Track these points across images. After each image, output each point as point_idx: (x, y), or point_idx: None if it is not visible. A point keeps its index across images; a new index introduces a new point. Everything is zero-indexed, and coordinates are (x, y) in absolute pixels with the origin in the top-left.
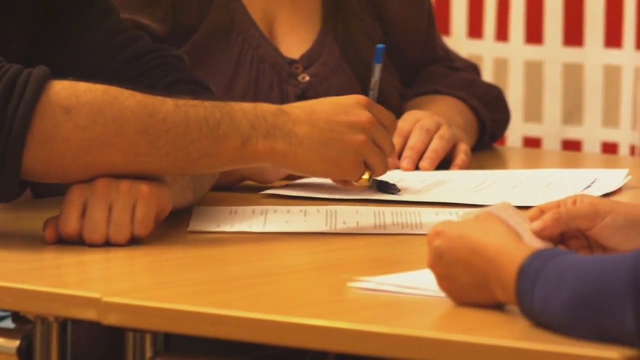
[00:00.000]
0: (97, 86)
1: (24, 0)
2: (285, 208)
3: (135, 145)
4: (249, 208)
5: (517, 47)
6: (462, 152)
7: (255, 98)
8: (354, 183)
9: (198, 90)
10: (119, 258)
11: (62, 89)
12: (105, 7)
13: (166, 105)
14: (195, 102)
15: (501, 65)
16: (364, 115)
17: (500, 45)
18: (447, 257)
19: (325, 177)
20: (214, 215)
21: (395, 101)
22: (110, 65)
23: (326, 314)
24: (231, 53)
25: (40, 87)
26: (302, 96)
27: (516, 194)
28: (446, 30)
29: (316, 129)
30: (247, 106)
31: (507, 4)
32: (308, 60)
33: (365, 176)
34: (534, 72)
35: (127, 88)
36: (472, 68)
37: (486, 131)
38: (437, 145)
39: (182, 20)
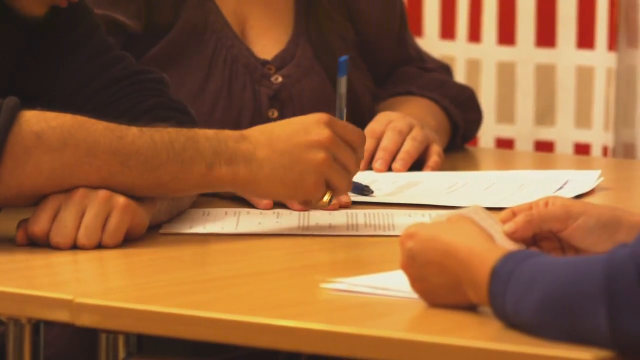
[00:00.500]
0: (65, 114)
1: (5, 24)
2: (258, 210)
3: (109, 164)
4: (222, 210)
5: (489, 48)
6: (435, 153)
7: (229, 98)
8: (315, 203)
9: (177, 116)
10: (91, 259)
11: (32, 116)
12: (89, 27)
13: (131, 130)
14: (159, 127)
15: (474, 66)
16: (324, 134)
17: (473, 46)
18: (420, 259)
19: (287, 199)
20: (187, 216)
21: (367, 102)
22: (88, 89)
23: (299, 315)
24: (205, 53)
25: (12, 117)
26: (275, 97)
27: (489, 195)
28: (419, 31)
29: (276, 152)
30: (209, 132)
31: (480, 5)
32: (281, 61)
33: (326, 197)
34: (506, 73)
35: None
36: (445, 69)
37: (458, 132)
38: (409, 147)
39: (156, 18)
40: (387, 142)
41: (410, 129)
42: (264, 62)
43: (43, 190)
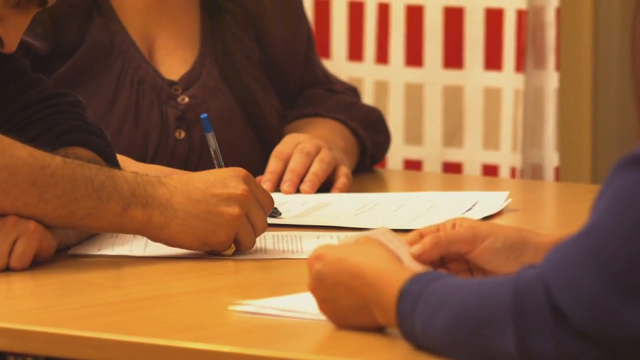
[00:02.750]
0: None
1: None
2: None
3: (25, 195)
4: None
5: (397, 70)
6: (343, 175)
7: (136, 118)
8: (219, 251)
9: (92, 139)
10: (1, 282)
11: None
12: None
13: (55, 160)
14: (82, 162)
15: (382, 87)
16: (240, 188)
17: (381, 67)
18: (328, 281)
19: (196, 249)
20: (95, 239)
21: (274, 122)
22: (2, 113)
23: (207, 337)
24: (112, 73)
25: None
26: (182, 118)
27: (398, 217)
28: (326, 53)
29: (191, 201)
30: (129, 175)
31: (387, 27)
32: (187, 81)
33: (230, 250)
34: (414, 95)
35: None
36: (352, 91)
37: (367, 153)
38: (317, 169)
39: (62, 39)
40: (295, 164)
41: (318, 150)
42: (171, 83)
43: None
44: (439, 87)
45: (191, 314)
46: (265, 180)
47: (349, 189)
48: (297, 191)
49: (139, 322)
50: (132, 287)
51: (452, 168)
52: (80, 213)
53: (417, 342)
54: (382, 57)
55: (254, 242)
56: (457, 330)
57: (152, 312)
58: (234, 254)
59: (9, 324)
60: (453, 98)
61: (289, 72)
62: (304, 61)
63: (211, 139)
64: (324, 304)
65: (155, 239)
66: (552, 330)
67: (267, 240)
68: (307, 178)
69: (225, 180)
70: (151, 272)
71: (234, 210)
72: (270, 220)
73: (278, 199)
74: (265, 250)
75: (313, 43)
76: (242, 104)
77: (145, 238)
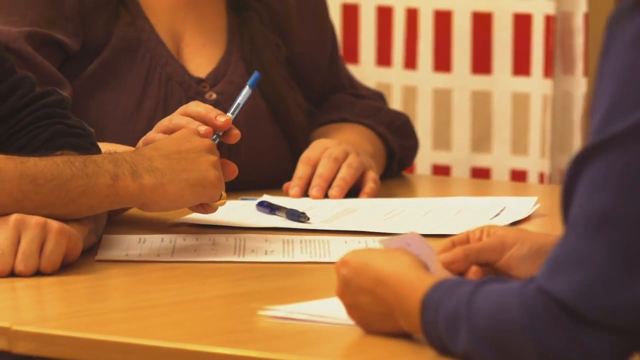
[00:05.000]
0: None
1: None
2: (194, 236)
3: (19, 186)
4: (158, 236)
5: (425, 75)
6: (371, 180)
7: (165, 115)
8: (214, 204)
9: (75, 141)
10: (28, 287)
11: None
12: None
13: (31, 157)
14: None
15: (410, 93)
16: (201, 141)
17: (409, 73)
18: (353, 286)
19: (195, 201)
20: (123, 243)
21: (300, 118)
22: None
23: (235, 342)
24: (140, 70)
25: None
26: None
27: (425, 222)
28: (354, 59)
29: (172, 160)
30: (103, 154)
31: (416, 32)
32: (214, 79)
33: (223, 195)
34: (442, 100)
35: None
36: (378, 96)
37: (394, 158)
38: (345, 174)
39: (90, 37)
40: (323, 169)
41: (346, 155)
42: (199, 80)
43: None
44: (467, 93)
45: (219, 318)
46: (294, 186)
47: (377, 194)
48: (325, 196)
49: (167, 327)
50: (160, 292)
51: (481, 173)
52: (76, 192)
53: (445, 350)
54: (410, 62)
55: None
56: (478, 343)
57: (179, 317)
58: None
59: (38, 328)
60: (481, 103)
61: (314, 73)
62: (329, 64)
63: (244, 94)
64: (351, 309)
65: (153, 205)
66: (567, 331)
67: (294, 244)
68: (335, 183)
69: (188, 138)
70: (178, 276)
71: (211, 157)
72: (298, 225)
73: (306, 204)
74: (292, 255)
75: (337, 48)
76: (269, 100)
77: (173, 242)
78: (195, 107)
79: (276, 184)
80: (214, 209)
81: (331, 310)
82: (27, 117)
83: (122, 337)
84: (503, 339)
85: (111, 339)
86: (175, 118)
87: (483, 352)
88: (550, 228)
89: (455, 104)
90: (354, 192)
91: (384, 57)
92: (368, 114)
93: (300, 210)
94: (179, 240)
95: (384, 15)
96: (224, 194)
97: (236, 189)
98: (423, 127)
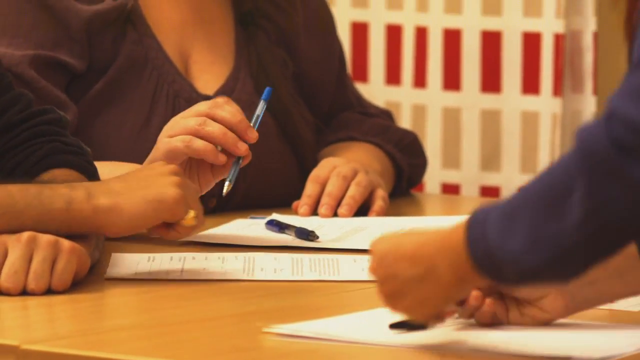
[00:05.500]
0: None
1: None
2: (204, 255)
3: None
4: (167, 255)
5: (435, 94)
6: (380, 198)
7: None
8: (182, 223)
9: (68, 159)
10: (37, 305)
11: None
12: None
13: None
14: (11, 183)
15: (419, 111)
16: (166, 167)
17: (418, 91)
18: (390, 258)
19: (156, 218)
20: (132, 261)
21: (308, 135)
22: None
23: None
24: (147, 88)
25: None
26: None
27: None
28: (364, 77)
29: (130, 181)
30: (57, 183)
31: (425, 51)
32: (222, 96)
33: (191, 214)
34: (451, 119)
35: None
36: (386, 114)
37: (403, 177)
38: (354, 192)
39: (96, 56)
40: (332, 187)
41: (355, 174)
42: (206, 97)
43: None
44: (477, 111)
45: (226, 337)
46: (303, 204)
47: (386, 212)
48: (335, 214)
49: (175, 345)
50: (168, 310)
51: (490, 192)
52: (29, 223)
53: (496, 258)
54: (419, 81)
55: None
56: (532, 214)
57: (188, 335)
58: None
59: (47, 347)
60: (491, 122)
61: (321, 91)
62: (336, 82)
63: (262, 107)
64: (384, 284)
65: (111, 226)
66: (619, 170)
67: (303, 263)
68: (344, 202)
69: (151, 166)
70: (188, 295)
71: (172, 177)
72: (307, 244)
73: (315, 223)
74: (301, 273)
75: (345, 66)
76: (277, 117)
77: (182, 261)
78: (222, 112)
79: (284, 201)
80: (185, 230)
81: (338, 329)
82: (23, 133)
83: (131, 356)
84: (556, 197)
85: (120, 357)
86: (208, 124)
87: (539, 233)
88: None
89: (465, 123)
90: (362, 210)
91: (393, 76)
92: (376, 132)
93: (309, 229)
94: (188, 259)
95: (393, 34)
96: (193, 212)
97: (245, 206)
98: (432, 146)
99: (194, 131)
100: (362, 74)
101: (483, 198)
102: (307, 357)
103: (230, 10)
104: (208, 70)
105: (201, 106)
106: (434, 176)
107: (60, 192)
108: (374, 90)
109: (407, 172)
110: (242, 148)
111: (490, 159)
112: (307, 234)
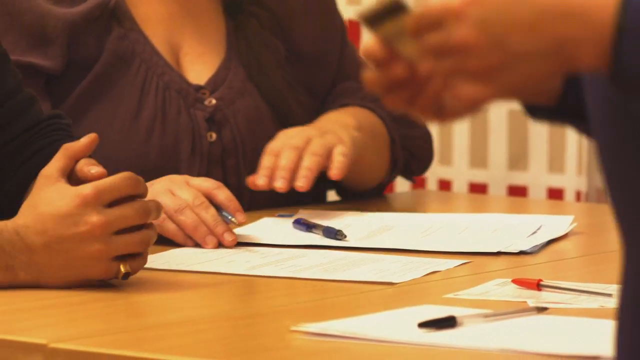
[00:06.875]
0: None
1: None
2: (231, 253)
3: None
4: (194, 251)
5: None
6: (338, 154)
7: (164, 124)
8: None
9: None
10: (65, 304)
11: None
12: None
13: None
14: None
15: None
16: (91, 222)
17: None
18: (498, 24)
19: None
20: (160, 256)
21: (303, 120)
22: (5, 132)
23: None
24: (135, 82)
25: None
26: (211, 119)
27: (462, 240)
28: None
29: (52, 253)
30: None
31: None
32: (214, 85)
33: (122, 269)
34: (479, 118)
35: None
36: None
37: (396, 145)
38: (309, 163)
39: (80, 54)
40: (285, 161)
41: (308, 142)
42: (198, 87)
43: None
44: (504, 110)
45: (253, 336)
46: (261, 176)
47: (348, 168)
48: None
49: (202, 344)
50: (195, 309)
51: (517, 191)
52: None
53: None
54: None
55: (143, 242)
56: None
57: (215, 334)
58: (126, 277)
59: (75, 345)
60: (518, 121)
61: (323, 69)
62: (338, 59)
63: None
64: (493, 48)
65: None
66: None
67: (331, 262)
68: (300, 174)
69: (75, 217)
70: (214, 293)
71: (94, 247)
72: (334, 243)
73: (342, 222)
74: (329, 273)
75: (347, 43)
76: (270, 103)
77: (208, 258)
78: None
79: None
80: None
81: (367, 327)
82: (46, 127)
83: (158, 354)
84: None
85: (148, 355)
86: (184, 214)
87: None
88: (586, 246)
89: (492, 122)
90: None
91: None
92: (372, 99)
93: (337, 227)
94: (215, 256)
95: None
96: (122, 267)
97: (244, 194)
98: (460, 145)
99: (169, 215)
100: None
101: (510, 197)
102: (335, 356)
103: (219, 0)
104: (199, 61)
105: (201, 184)
106: (461, 175)
107: None
108: None
109: (398, 140)
110: (211, 244)
111: (518, 159)
112: (334, 233)
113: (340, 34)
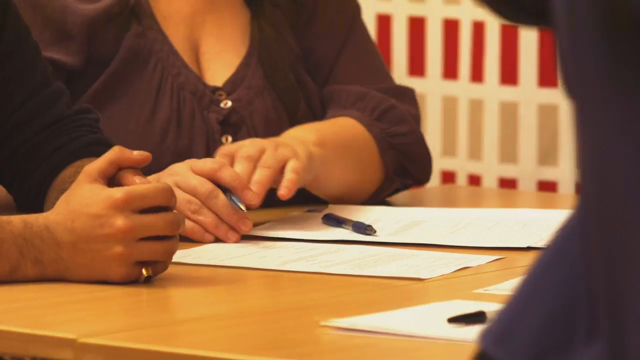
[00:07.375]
0: None
1: None
2: (260, 248)
3: None
4: (221, 246)
5: (492, 88)
6: (289, 171)
7: (179, 126)
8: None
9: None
10: (94, 299)
11: None
12: (27, 61)
13: None
14: None
15: (476, 106)
16: (116, 226)
17: (475, 86)
18: None
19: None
20: (191, 251)
21: (315, 119)
22: (32, 126)
23: (299, 355)
24: (151, 82)
25: None
26: (225, 122)
27: (492, 235)
28: (421, 72)
29: (78, 251)
30: (17, 229)
31: (482, 45)
32: (232, 85)
33: (144, 272)
34: (509, 113)
35: None
36: (400, 91)
37: (385, 146)
38: (260, 177)
39: (98, 51)
40: (239, 171)
41: (261, 153)
42: (214, 89)
43: None
44: (534, 105)
45: (282, 331)
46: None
47: (297, 186)
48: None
49: (232, 339)
50: (225, 304)
51: (547, 186)
52: None
53: None
54: (476, 75)
55: (169, 249)
56: None
57: (245, 329)
58: (148, 280)
59: (104, 340)
60: (548, 116)
61: (322, 67)
62: (337, 56)
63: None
64: None
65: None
66: None
67: (361, 257)
68: (253, 189)
69: (102, 219)
70: (244, 288)
71: (117, 249)
72: (364, 238)
73: (372, 216)
74: (359, 268)
75: (352, 42)
76: (287, 104)
77: (238, 252)
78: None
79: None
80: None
81: (396, 323)
82: (71, 123)
83: (187, 349)
84: None
85: (177, 351)
86: (201, 213)
87: None
88: None
89: (522, 117)
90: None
91: (450, 70)
92: (353, 102)
93: (367, 223)
94: (244, 251)
95: (451, 28)
96: (145, 271)
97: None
98: (489, 140)
99: (185, 215)
100: (419, 68)
101: (540, 192)
102: (365, 351)
103: None
104: (216, 60)
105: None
106: (491, 171)
107: (9, 255)
108: (432, 85)
109: (380, 139)
110: (233, 238)
111: (548, 154)
112: (364, 228)
113: (346, 32)
